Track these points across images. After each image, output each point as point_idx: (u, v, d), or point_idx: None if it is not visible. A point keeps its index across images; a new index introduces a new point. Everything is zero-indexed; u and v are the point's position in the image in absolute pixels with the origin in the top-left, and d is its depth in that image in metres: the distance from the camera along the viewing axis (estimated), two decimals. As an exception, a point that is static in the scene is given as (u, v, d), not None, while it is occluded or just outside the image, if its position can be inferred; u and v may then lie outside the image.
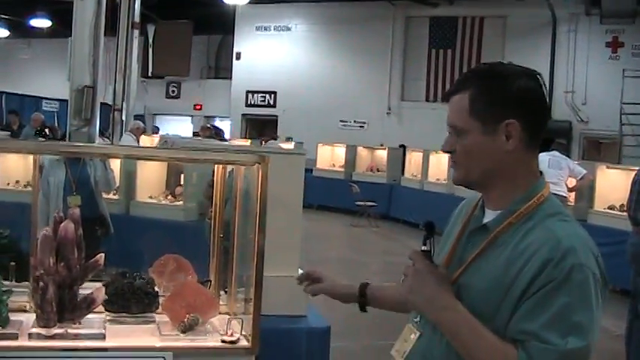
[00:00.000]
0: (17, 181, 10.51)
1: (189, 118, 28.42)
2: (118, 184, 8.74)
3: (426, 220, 2.12)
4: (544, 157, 12.10)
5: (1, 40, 30.27)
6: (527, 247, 1.88)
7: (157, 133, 20.87)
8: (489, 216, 2.06)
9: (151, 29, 25.93)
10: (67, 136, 8.18)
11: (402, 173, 18.45)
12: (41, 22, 25.74)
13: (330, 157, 20.40)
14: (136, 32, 19.35)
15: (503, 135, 1.96)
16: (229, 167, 3.67)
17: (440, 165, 16.35)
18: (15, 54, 27.21)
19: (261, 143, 14.61)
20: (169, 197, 10.30)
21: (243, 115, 26.45)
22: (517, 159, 1.99)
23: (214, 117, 29.41)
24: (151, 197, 10.36)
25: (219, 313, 3.49)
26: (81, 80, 8.02)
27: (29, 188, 9.84)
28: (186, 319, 3.07)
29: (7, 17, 27.21)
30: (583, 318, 1.81)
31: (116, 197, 9.79)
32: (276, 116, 25.58)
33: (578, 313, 1.80)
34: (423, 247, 2.04)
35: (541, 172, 2.07)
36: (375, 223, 16.70)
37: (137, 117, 23.07)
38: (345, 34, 23.48)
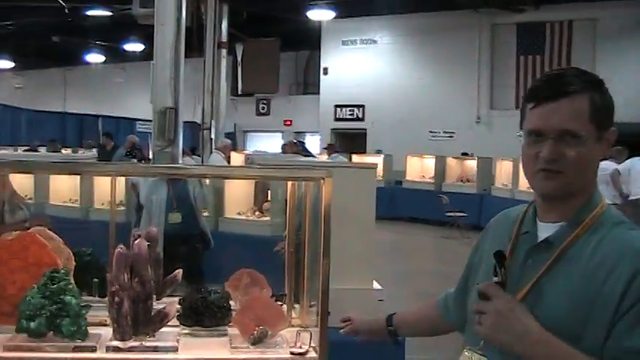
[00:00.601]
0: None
1: (280, 134, 28.78)
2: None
3: (497, 250, 1.97)
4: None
5: (98, 65, 31.47)
6: (605, 259, 1.81)
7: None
8: (546, 230, 1.97)
9: (239, 48, 26.39)
10: (152, 156, 8.45)
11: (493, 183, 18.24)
12: (134, 47, 26.57)
13: (420, 168, 20.33)
14: (224, 52, 19.87)
15: (606, 143, 1.94)
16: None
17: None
18: (110, 78, 28.19)
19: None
20: (257, 213, 10.48)
21: (333, 129, 26.62)
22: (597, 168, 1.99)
23: (304, 132, 29.77)
24: (239, 213, 10.57)
25: (292, 327, 3.56)
26: (163, 102, 8.28)
27: (122, 207, 10.27)
28: (255, 332, 3.15)
29: (103, 43, 28.24)
30: None
31: (206, 214, 10.04)
32: (365, 129, 25.65)
33: None
34: (495, 279, 1.94)
35: None
36: (466, 234, 16.52)
37: (227, 135, 23.59)
38: (431, 45, 23.38)
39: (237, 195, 10.56)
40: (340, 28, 25.50)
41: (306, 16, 22.35)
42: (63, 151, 16.19)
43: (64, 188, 11.52)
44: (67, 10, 20.64)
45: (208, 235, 8.16)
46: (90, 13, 21.75)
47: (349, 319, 2.86)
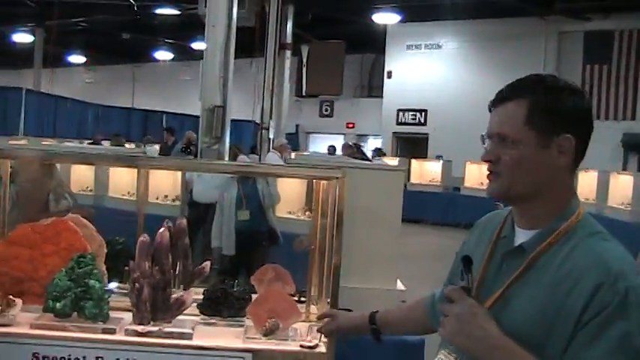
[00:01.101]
0: (166, 196, 11.18)
1: (342, 136, 28.87)
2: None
3: (464, 255, 2.00)
4: None
5: (166, 62, 32.11)
6: (572, 269, 1.81)
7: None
8: (522, 236, 1.98)
9: (304, 49, 26.60)
10: (199, 152, 8.67)
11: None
12: (201, 45, 26.91)
13: (478, 175, 20.20)
14: (288, 52, 20.06)
15: (556, 149, 1.90)
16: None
17: (590, 185, 15.86)
18: (178, 75, 28.72)
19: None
20: (307, 213, 10.59)
21: (394, 133, 26.62)
22: (564, 176, 1.93)
23: (366, 135, 29.83)
24: (289, 212, 10.70)
25: (311, 321, 3.68)
26: (212, 100, 8.48)
27: (177, 202, 10.54)
28: (267, 324, 3.27)
29: (171, 41, 28.80)
30: None
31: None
32: (427, 134, 25.57)
33: (639, 339, 1.72)
34: (462, 284, 1.95)
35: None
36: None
37: (289, 136, 23.80)
38: (496, 51, 23.18)
39: (290, 194, 10.69)
40: (405, 33, 25.49)
41: (372, 20, 22.38)
42: (126, 145, 16.58)
43: (124, 181, 11.81)
44: (136, 8, 21.16)
45: (277, 233, 8.42)
46: (158, 11, 22.24)
47: (329, 315, 2.88)
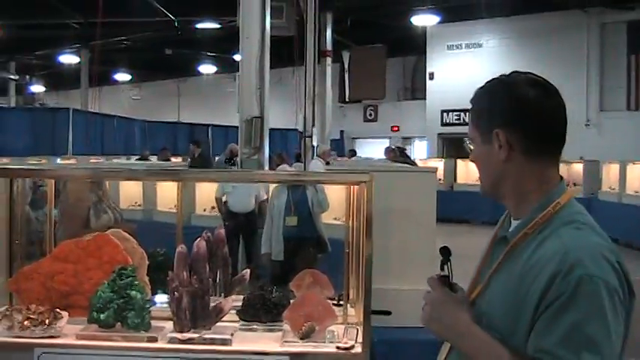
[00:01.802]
0: (213, 207, 11.33)
1: (388, 139, 28.83)
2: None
3: (442, 246, 2.12)
4: None
5: (210, 75, 32.46)
6: (539, 259, 1.85)
7: (353, 156, 21.45)
8: (512, 226, 2.04)
9: (346, 55, 26.73)
10: (240, 163, 8.80)
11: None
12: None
13: (525, 172, 20.04)
14: (329, 60, 20.18)
15: (496, 144, 1.97)
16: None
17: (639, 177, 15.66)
18: (222, 88, 28.97)
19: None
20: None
21: (439, 134, 26.50)
22: (518, 168, 1.98)
23: (412, 138, 29.78)
24: (335, 219, 10.76)
25: (348, 324, 3.75)
26: (249, 111, 8.62)
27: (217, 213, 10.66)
28: (303, 327, 3.35)
29: (214, 54, 29.13)
30: (596, 331, 1.75)
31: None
32: (472, 134, 25.36)
33: (590, 327, 1.74)
34: (441, 273, 2.05)
35: (561, 178, 2.03)
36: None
37: (334, 141, 23.90)
38: (538, 47, 22.91)
39: (336, 201, 10.76)
40: (445, 33, 25.39)
41: (411, 22, 22.37)
42: (172, 159, 16.84)
43: (170, 195, 11.99)
44: (176, 24, 21.47)
45: (325, 240, 8.47)
46: (199, 25, 22.52)
47: None
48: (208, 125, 26.63)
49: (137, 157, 18.52)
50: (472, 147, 2.08)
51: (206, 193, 11.17)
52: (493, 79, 2.08)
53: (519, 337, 1.84)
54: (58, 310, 3.45)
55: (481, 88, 2.08)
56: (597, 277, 1.77)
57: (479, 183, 2.12)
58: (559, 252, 1.81)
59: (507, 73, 2.09)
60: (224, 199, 10.11)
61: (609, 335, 1.76)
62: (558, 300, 1.77)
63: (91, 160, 13.66)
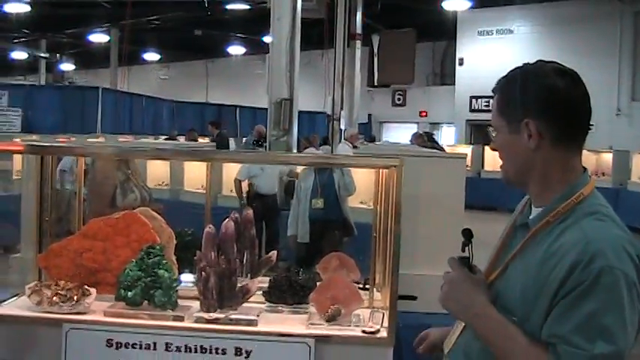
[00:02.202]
0: (231, 190, 11.37)
1: (415, 125, 28.73)
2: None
3: (465, 227, 2.19)
4: None
5: (238, 57, 32.48)
6: (560, 247, 1.88)
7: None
8: (533, 213, 2.08)
9: (375, 39, 26.61)
10: (268, 145, 8.82)
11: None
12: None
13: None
14: (358, 43, 20.10)
15: (525, 134, 2.00)
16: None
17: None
18: (251, 70, 28.99)
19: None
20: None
21: (467, 120, 26.34)
22: (546, 157, 2.00)
23: (440, 123, 29.65)
24: (361, 202, 10.76)
25: (374, 308, 3.75)
26: (279, 93, 8.61)
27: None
28: (329, 310, 3.35)
29: (243, 36, 29.13)
30: (612, 322, 1.78)
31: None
32: (501, 121, 25.20)
33: (607, 317, 1.78)
34: (462, 254, 2.12)
35: (585, 169, 2.05)
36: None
37: (362, 125, 23.84)
38: (569, 34, 22.67)
39: (364, 184, 10.75)
40: (476, 19, 25.16)
41: (442, 7, 22.21)
42: (200, 139, 16.88)
43: (198, 175, 12.05)
44: (207, 4, 21.47)
45: (351, 223, 8.49)
46: (229, 6, 22.51)
47: (425, 336, 2.84)
48: (236, 107, 26.70)
49: (165, 136, 18.57)
50: (495, 135, 2.10)
51: (233, 174, 11.21)
52: (517, 67, 2.10)
53: (534, 322, 1.89)
54: (86, 286, 3.47)
55: (506, 77, 2.09)
56: (617, 269, 1.81)
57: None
58: (581, 242, 1.85)
59: (532, 61, 2.10)
60: (250, 181, 10.13)
61: (625, 327, 1.81)
62: (577, 289, 1.81)
63: (120, 139, 13.71)
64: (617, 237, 1.88)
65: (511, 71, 2.09)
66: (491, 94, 2.13)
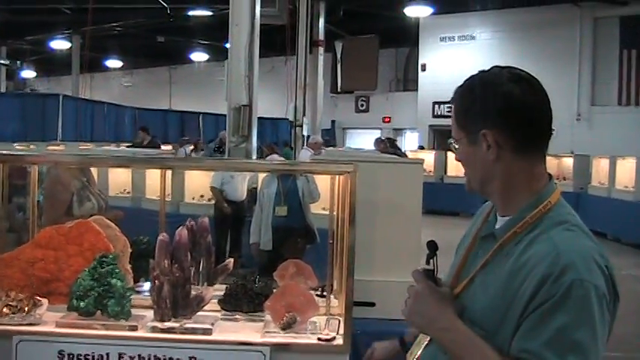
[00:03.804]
0: (202, 196, 11.33)
1: (379, 130, 28.84)
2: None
3: (429, 240, 2.12)
4: None
5: (201, 64, 32.37)
6: (529, 259, 1.83)
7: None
8: (499, 223, 2.02)
9: (338, 45, 26.67)
10: (227, 151, 8.78)
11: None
12: (234, 45, 27.07)
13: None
14: (321, 49, 20.12)
15: (484, 144, 1.94)
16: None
17: (629, 172, 15.64)
18: (214, 76, 28.88)
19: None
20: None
21: (430, 126, 26.50)
22: (508, 167, 1.95)
23: (403, 129, 29.79)
24: (323, 209, 10.72)
25: (331, 315, 3.73)
26: (238, 99, 8.58)
27: (212, 202, 10.66)
28: (284, 318, 3.33)
29: (206, 42, 29.03)
30: (584, 336, 1.74)
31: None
32: (463, 126, 25.37)
33: (578, 332, 1.74)
34: (426, 266, 2.05)
35: (550, 176, 2.00)
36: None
37: (325, 132, 23.87)
38: (530, 40, 22.95)
39: (326, 191, 10.74)
40: (438, 25, 25.37)
41: (404, 13, 22.32)
42: (162, 147, 16.71)
43: (159, 183, 11.94)
44: (168, 11, 21.36)
45: (314, 231, 8.42)
46: (191, 13, 22.43)
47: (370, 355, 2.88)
48: (199, 113, 26.58)
49: (127, 144, 18.37)
50: (457, 147, 2.05)
51: (196, 182, 11.16)
52: (472, 76, 2.04)
53: (503, 336, 1.84)
54: (38, 297, 3.41)
55: (462, 86, 2.04)
56: (588, 282, 1.77)
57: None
58: (551, 253, 1.80)
59: (486, 68, 2.05)
60: (221, 188, 10.10)
61: (596, 341, 1.77)
62: (548, 302, 1.76)
63: (80, 147, 13.56)
64: (587, 248, 1.85)
65: (467, 80, 2.04)
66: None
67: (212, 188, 10.27)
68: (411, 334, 2.79)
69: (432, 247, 2.09)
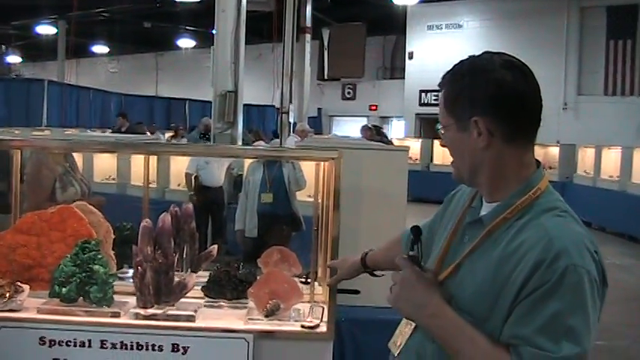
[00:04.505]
0: (179, 185, 11.30)
1: (365, 118, 28.77)
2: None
3: (412, 225, 2.10)
4: None
5: (188, 50, 32.19)
6: (520, 245, 1.82)
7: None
8: (486, 208, 2.01)
9: (325, 33, 26.61)
10: (212, 138, 8.74)
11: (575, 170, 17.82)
12: (221, 32, 26.94)
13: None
14: (308, 36, 20.02)
15: (475, 132, 1.91)
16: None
17: (614, 161, 15.71)
18: (200, 63, 28.77)
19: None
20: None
21: (417, 114, 26.48)
22: (498, 154, 1.93)
23: (390, 117, 29.76)
24: (309, 196, 10.71)
25: (315, 302, 3.73)
26: (223, 86, 8.54)
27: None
28: (268, 305, 3.32)
29: (193, 29, 28.86)
30: (577, 322, 1.73)
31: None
32: (450, 114, 25.39)
33: (572, 318, 1.73)
34: (411, 253, 2.02)
35: (539, 164, 1.99)
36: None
37: (311, 119, 23.80)
38: (517, 29, 22.93)
39: (310, 178, 10.73)
40: (425, 13, 25.33)
41: (392, 1, 22.25)
42: (148, 133, 16.61)
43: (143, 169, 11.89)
44: (155, -4, 21.25)
45: (299, 218, 8.39)
46: (178, -1, 22.29)
47: (332, 267, 3.08)
48: (186, 100, 26.46)
49: (110, 130, 18.27)
50: (444, 133, 2.01)
51: (181, 168, 11.11)
52: (462, 61, 1.99)
53: (494, 322, 1.82)
54: (19, 283, 3.39)
55: (451, 71, 1.99)
56: (581, 267, 1.76)
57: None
58: (543, 239, 1.79)
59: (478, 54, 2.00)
60: (196, 173, 10.08)
61: (589, 327, 1.76)
62: (541, 288, 1.75)
63: (65, 132, 13.47)
64: (578, 234, 1.84)
65: (457, 65, 1.99)
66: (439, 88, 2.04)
67: (186, 174, 10.26)
68: (372, 254, 2.90)
69: (416, 232, 2.06)
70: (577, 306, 1.74)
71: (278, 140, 14.22)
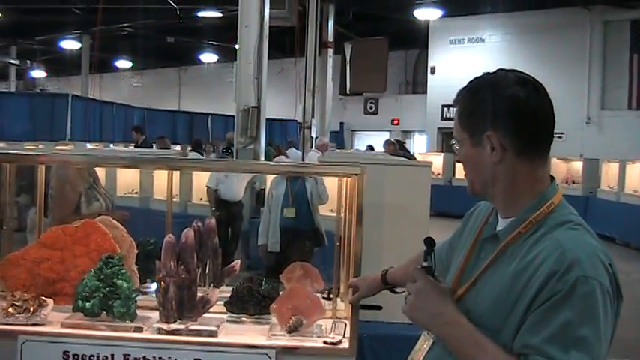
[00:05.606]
0: (201, 199, 11.34)
1: (387, 133, 28.74)
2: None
3: (426, 237, 2.12)
4: None
5: (211, 65, 32.38)
6: (534, 258, 1.84)
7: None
8: (501, 224, 2.03)
9: (347, 47, 26.61)
10: (235, 153, 8.76)
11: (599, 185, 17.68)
12: (243, 46, 27.09)
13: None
14: (330, 51, 20.10)
15: (488, 147, 1.95)
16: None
17: (638, 176, 15.58)
18: (223, 77, 28.90)
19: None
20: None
21: (439, 129, 26.41)
22: (511, 169, 1.96)
23: (412, 132, 29.73)
24: (331, 211, 10.72)
25: (338, 318, 3.72)
26: (246, 100, 8.56)
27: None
28: (290, 321, 3.32)
29: (215, 43, 29.04)
30: (588, 332, 1.73)
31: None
32: (472, 130, 25.32)
33: (582, 328, 1.73)
34: (424, 263, 2.04)
35: (553, 179, 2.02)
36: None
37: (334, 134, 23.83)
38: (540, 43, 22.83)
39: (334, 193, 10.73)
40: (448, 27, 25.29)
41: (414, 16, 22.27)
42: (172, 147, 16.70)
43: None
44: (178, 12, 21.37)
45: (322, 233, 8.39)
46: (201, 14, 22.42)
47: (353, 285, 3.07)
48: (208, 114, 26.59)
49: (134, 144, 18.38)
50: (459, 148, 2.05)
51: (204, 182, 11.16)
52: (477, 77, 2.04)
53: (507, 333, 1.83)
54: (43, 297, 3.41)
55: (467, 88, 2.04)
56: (593, 279, 1.77)
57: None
58: (556, 251, 1.81)
59: (492, 71, 2.04)
60: (216, 187, 10.14)
61: (599, 337, 1.76)
62: (553, 298, 1.76)
63: (88, 147, 13.58)
64: (592, 246, 1.85)
65: (471, 82, 2.04)
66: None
67: (207, 188, 10.33)
68: (393, 271, 2.92)
69: (430, 243, 2.10)
70: (588, 316, 1.75)
71: (294, 149, 14.30)
